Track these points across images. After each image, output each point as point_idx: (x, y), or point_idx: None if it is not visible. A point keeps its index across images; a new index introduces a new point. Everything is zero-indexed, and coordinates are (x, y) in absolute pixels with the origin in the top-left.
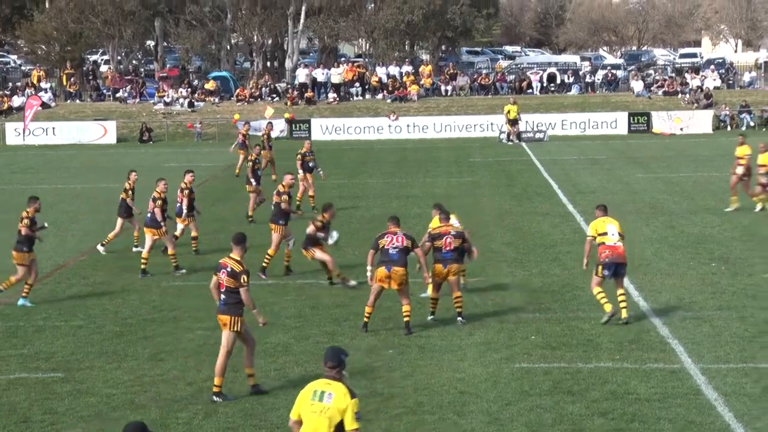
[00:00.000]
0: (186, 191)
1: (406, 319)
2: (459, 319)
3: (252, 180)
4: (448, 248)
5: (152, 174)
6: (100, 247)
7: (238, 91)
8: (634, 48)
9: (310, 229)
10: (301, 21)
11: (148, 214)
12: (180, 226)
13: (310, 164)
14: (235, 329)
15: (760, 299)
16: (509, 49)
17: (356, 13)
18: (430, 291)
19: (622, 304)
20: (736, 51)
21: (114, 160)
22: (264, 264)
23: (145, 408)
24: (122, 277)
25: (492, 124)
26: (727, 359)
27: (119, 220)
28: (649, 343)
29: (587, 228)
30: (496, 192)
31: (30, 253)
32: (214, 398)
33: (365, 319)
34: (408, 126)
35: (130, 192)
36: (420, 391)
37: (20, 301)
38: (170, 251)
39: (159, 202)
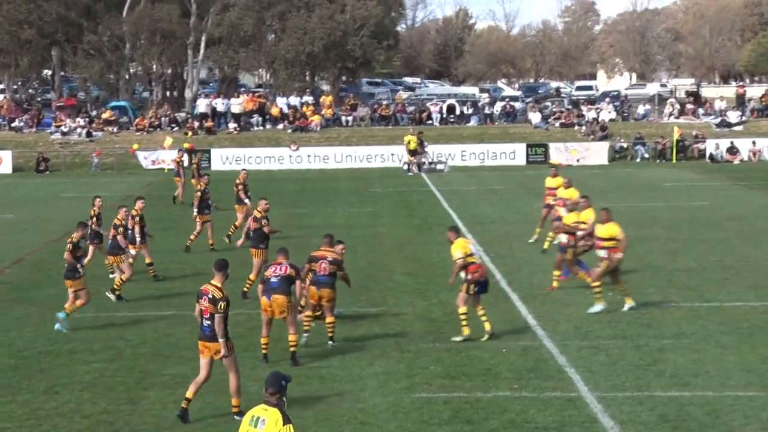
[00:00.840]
0: (137, 218)
1: (291, 349)
2: (330, 342)
3: (195, 210)
4: (323, 272)
5: (48, 205)
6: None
7: (137, 120)
8: (532, 80)
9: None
10: (201, 51)
11: (110, 241)
12: (132, 252)
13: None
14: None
15: (654, 328)
16: (409, 80)
17: (257, 43)
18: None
19: (484, 318)
20: (630, 84)
21: (9, 191)
22: (245, 288)
23: None
24: (16, 308)
25: (393, 154)
26: (623, 387)
27: (90, 247)
28: (547, 371)
29: (457, 251)
30: (397, 222)
31: (81, 278)
32: (236, 417)
33: (263, 351)
34: (309, 156)
35: (95, 219)
36: (320, 422)
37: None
38: (124, 277)
39: (120, 228)
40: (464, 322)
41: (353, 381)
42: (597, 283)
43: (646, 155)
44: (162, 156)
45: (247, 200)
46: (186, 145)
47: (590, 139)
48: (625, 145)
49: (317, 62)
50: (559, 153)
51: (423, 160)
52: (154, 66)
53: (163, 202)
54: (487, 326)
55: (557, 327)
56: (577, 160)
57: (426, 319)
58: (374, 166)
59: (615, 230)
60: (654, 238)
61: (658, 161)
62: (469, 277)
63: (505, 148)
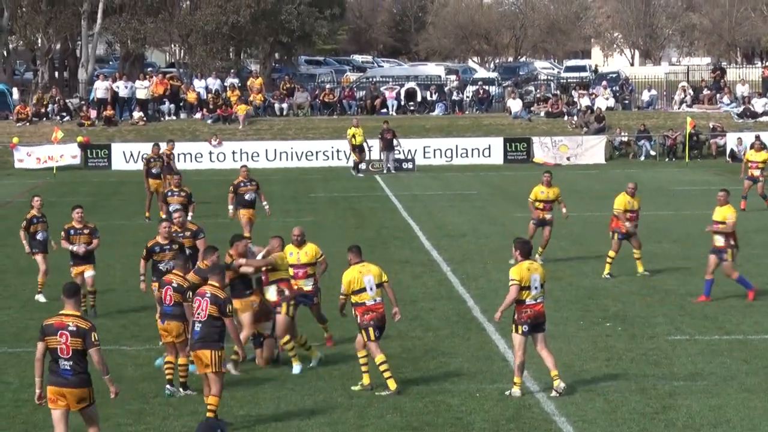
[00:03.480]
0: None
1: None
2: (169, 387)
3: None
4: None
5: None
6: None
7: (17, 108)
8: (511, 59)
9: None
10: (98, 21)
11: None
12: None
13: (246, 196)
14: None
15: (664, 366)
16: (358, 58)
17: (167, 12)
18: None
19: (364, 368)
20: (632, 64)
21: None
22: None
23: None
24: None
25: (338, 151)
26: None
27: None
28: (531, 421)
29: (345, 283)
30: (344, 235)
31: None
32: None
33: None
34: (234, 153)
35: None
36: None
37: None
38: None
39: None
40: (365, 368)
41: None
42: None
43: (652, 152)
44: (49, 152)
45: (231, 207)
46: (80, 139)
47: (583, 132)
48: (626, 139)
49: (243, 36)
50: (544, 150)
51: (393, 157)
52: (40, 40)
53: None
54: (366, 379)
55: (543, 365)
56: (568, 159)
57: None
58: (315, 165)
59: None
60: (662, 255)
61: (666, 159)
62: (359, 320)
63: (478, 143)
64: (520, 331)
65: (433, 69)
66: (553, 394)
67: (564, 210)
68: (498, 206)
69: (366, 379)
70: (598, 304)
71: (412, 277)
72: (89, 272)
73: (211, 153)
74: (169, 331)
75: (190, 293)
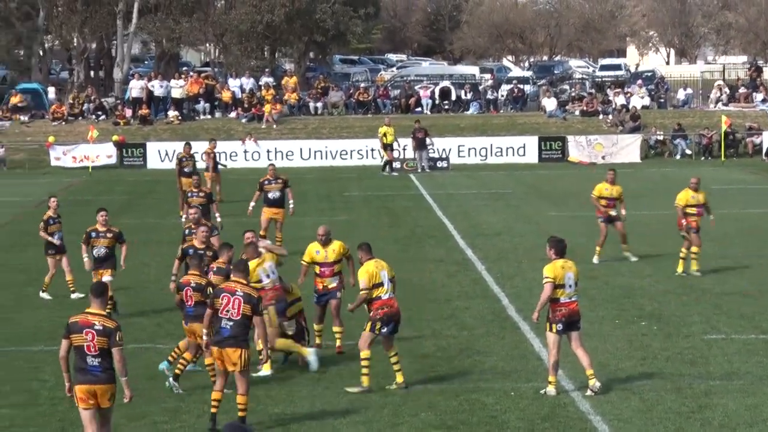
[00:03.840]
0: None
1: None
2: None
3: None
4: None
5: None
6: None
7: (53, 107)
8: (545, 58)
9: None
10: (134, 21)
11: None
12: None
13: (270, 195)
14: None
15: (700, 366)
16: (393, 57)
17: (202, 11)
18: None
19: (396, 366)
20: (668, 63)
21: None
22: None
23: None
24: None
25: (372, 150)
26: None
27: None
28: (566, 420)
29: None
30: (378, 234)
31: None
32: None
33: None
34: (268, 152)
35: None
36: None
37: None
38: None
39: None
40: (365, 370)
41: None
42: None
43: (688, 151)
44: (85, 151)
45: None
46: (115, 138)
47: (618, 131)
48: (661, 138)
49: (278, 35)
50: (579, 149)
51: (427, 156)
52: (75, 39)
53: (87, 209)
54: (399, 378)
55: (579, 364)
56: (603, 157)
57: (415, 355)
58: (349, 164)
59: None
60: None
61: (702, 158)
62: (372, 314)
63: (512, 142)
64: (554, 330)
65: (468, 68)
66: (588, 393)
67: (623, 211)
68: (533, 205)
69: (366, 381)
70: (633, 303)
71: (447, 275)
72: (107, 277)
73: (245, 152)
74: (193, 332)
75: (210, 289)
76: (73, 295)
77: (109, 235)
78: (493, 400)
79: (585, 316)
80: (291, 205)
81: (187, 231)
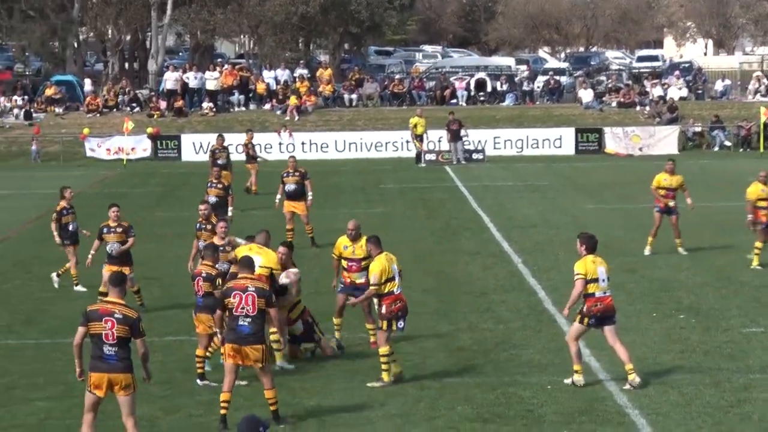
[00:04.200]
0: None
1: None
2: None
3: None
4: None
5: None
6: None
7: (88, 99)
8: (582, 49)
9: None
10: (168, 12)
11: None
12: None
13: (286, 187)
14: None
15: (739, 359)
16: (428, 48)
17: (237, 2)
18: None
19: (383, 359)
20: (706, 54)
21: None
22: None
23: None
24: None
25: (407, 141)
26: None
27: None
28: (604, 414)
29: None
30: (413, 227)
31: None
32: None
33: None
34: (303, 144)
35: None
36: None
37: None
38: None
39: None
40: (385, 366)
41: (361, 425)
42: None
43: (727, 143)
44: (120, 143)
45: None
46: (150, 130)
47: (656, 123)
48: (699, 129)
49: (313, 26)
50: (616, 140)
51: (462, 148)
52: (110, 31)
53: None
54: (386, 376)
55: (616, 358)
56: (640, 149)
57: (451, 348)
58: (385, 156)
59: None
60: (737, 247)
61: (741, 150)
62: (383, 310)
63: (549, 134)
64: (585, 323)
65: (503, 59)
66: (627, 387)
67: (689, 200)
68: (569, 197)
69: (386, 376)
70: (671, 297)
71: (483, 268)
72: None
73: (280, 144)
74: (201, 322)
75: (219, 280)
76: (76, 288)
77: (119, 230)
78: (530, 393)
79: (622, 310)
80: (309, 197)
81: (197, 225)
